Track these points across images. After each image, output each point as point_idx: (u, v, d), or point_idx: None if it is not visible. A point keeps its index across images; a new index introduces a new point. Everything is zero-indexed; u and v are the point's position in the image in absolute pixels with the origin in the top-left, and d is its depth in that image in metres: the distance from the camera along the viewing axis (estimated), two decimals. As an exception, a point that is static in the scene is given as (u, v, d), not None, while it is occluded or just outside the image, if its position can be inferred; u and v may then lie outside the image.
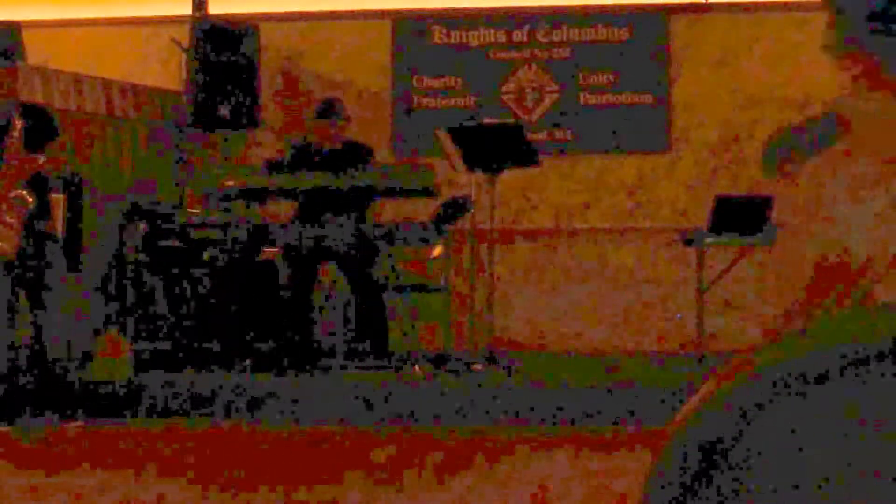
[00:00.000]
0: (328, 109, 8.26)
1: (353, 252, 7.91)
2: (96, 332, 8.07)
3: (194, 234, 8.25)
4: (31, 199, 6.72)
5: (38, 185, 6.80)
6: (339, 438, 6.71)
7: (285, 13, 9.83)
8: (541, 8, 9.72)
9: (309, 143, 8.38)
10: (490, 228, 8.02)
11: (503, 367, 7.68)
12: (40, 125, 6.95)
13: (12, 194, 6.70)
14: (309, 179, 7.92)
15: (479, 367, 7.63)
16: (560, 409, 6.92)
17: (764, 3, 9.51)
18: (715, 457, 1.36)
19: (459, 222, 8.18)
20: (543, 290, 9.54)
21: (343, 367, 7.87)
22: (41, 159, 6.88)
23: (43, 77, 8.45)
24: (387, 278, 8.14)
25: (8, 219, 6.70)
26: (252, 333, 8.07)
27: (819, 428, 1.33)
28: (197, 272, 8.37)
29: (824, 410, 1.32)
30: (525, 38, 9.74)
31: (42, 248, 6.86)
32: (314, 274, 8.10)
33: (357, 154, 8.14)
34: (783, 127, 5.60)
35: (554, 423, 6.79)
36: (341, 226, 7.94)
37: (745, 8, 9.53)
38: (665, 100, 9.53)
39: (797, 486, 1.34)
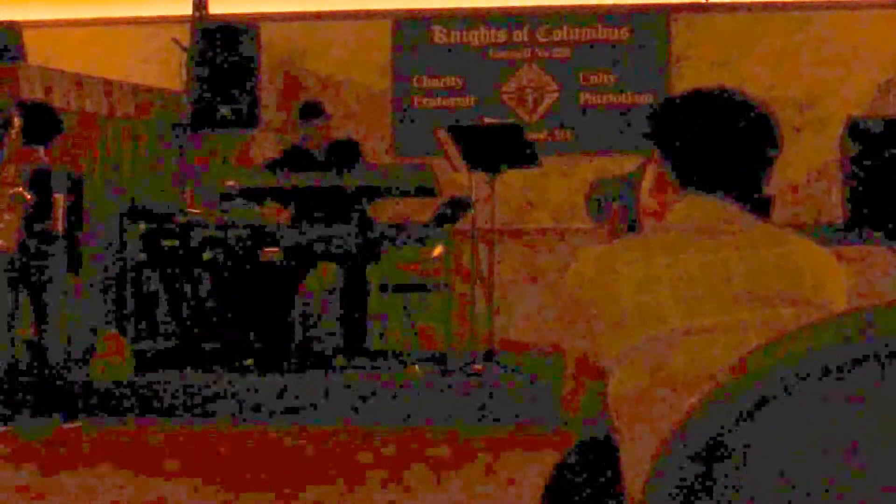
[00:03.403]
0: (309, 112, 8.27)
1: (354, 252, 7.91)
2: (96, 332, 8.07)
3: (194, 234, 8.25)
4: (29, 197, 6.71)
5: (40, 184, 6.79)
6: (338, 438, 6.71)
7: (285, 13, 9.83)
8: (541, 8, 9.72)
9: (297, 145, 8.39)
10: (490, 228, 8.01)
11: (503, 368, 7.69)
12: (43, 121, 6.95)
13: (11, 191, 6.70)
14: (308, 180, 7.92)
15: (479, 367, 7.63)
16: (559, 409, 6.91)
17: (764, 3, 9.51)
18: (715, 457, 1.36)
19: (459, 222, 8.18)
20: (543, 290, 9.53)
21: (343, 367, 7.87)
22: (40, 152, 6.88)
23: (44, 77, 8.45)
24: (387, 278, 8.14)
25: (7, 216, 6.70)
26: (252, 333, 8.07)
27: (821, 427, 1.33)
28: (197, 272, 8.37)
29: (827, 409, 1.32)
30: (525, 38, 9.74)
31: (43, 248, 6.85)
32: (305, 273, 8.13)
33: (345, 151, 8.15)
34: (598, 179, 6.14)
35: (554, 423, 6.78)
36: (332, 225, 7.94)
37: (745, 8, 9.53)
38: (665, 100, 9.53)
39: (799, 487, 1.34)
